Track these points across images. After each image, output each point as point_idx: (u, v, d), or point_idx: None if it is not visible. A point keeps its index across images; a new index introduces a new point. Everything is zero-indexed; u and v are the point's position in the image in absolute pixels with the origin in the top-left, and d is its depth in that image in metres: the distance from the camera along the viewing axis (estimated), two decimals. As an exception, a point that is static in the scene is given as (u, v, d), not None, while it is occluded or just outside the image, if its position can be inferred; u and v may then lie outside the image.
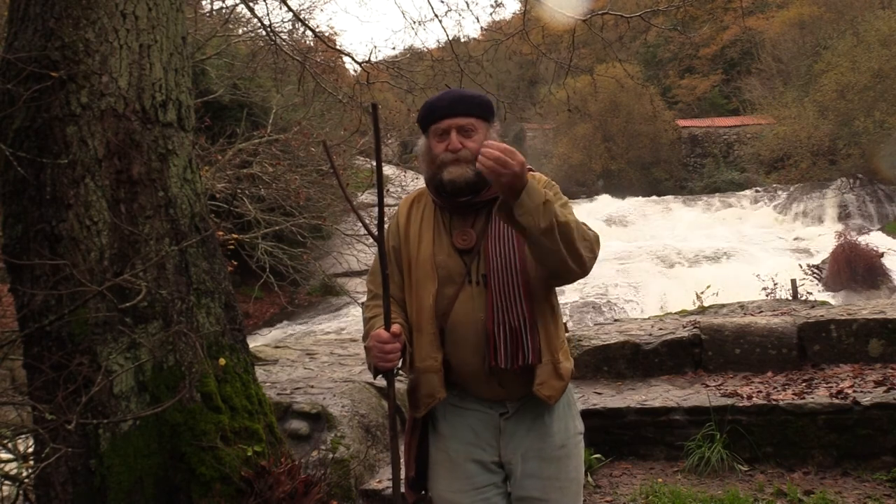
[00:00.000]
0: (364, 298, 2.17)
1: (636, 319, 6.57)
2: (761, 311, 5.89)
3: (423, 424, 2.06)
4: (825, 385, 4.26)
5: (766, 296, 9.25)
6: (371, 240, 9.73)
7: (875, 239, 16.26)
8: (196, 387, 2.74)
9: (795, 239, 18.92)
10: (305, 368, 5.20)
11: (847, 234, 15.63)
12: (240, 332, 3.08)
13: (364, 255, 9.86)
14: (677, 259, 16.70)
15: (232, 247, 5.96)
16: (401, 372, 2.01)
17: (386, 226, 2.01)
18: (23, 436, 2.87)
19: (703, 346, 4.98)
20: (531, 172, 2.04)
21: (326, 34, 10.76)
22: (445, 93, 2.01)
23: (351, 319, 14.83)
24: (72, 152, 2.64)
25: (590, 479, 3.94)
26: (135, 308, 2.62)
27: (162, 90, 2.84)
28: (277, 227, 7.75)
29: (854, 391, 4.03)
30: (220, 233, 5.31)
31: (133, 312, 2.64)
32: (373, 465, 3.93)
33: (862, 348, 4.68)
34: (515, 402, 1.98)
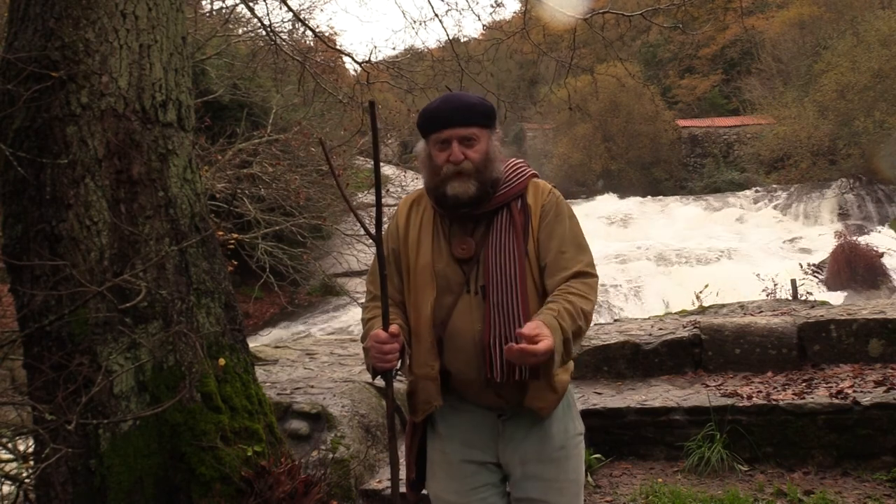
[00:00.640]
0: (364, 298, 2.16)
1: (636, 319, 6.56)
2: (761, 311, 5.89)
3: (423, 426, 2.06)
4: (825, 385, 4.26)
5: (766, 296, 9.24)
6: (371, 240, 9.71)
7: (875, 239, 16.26)
8: (196, 387, 2.74)
9: (795, 239, 18.91)
10: (305, 368, 5.20)
11: (847, 234, 15.63)
12: (240, 332, 3.08)
13: (364, 255, 9.86)
14: (677, 259, 16.70)
15: (232, 247, 5.95)
16: (399, 373, 2.00)
17: (385, 226, 2.00)
18: (23, 436, 2.87)
19: (703, 346, 4.98)
20: (534, 180, 2.02)
21: (326, 34, 10.76)
22: (445, 99, 1.96)
23: (351, 319, 14.83)
24: (72, 152, 2.64)
25: (590, 479, 3.93)
26: (135, 308, 2.62)
27: (162, 90, 2.84)
28: (277, 227, 7.75)
29: (854, 391, 4.03)
30: (220, 233, 5.31)
31: (133, 312, 2.64)
32: (373, 465, 3.93)
33: (862, 348, 4.68)
34: (512, 406, 1.97)
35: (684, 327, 5.25)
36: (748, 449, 4.03)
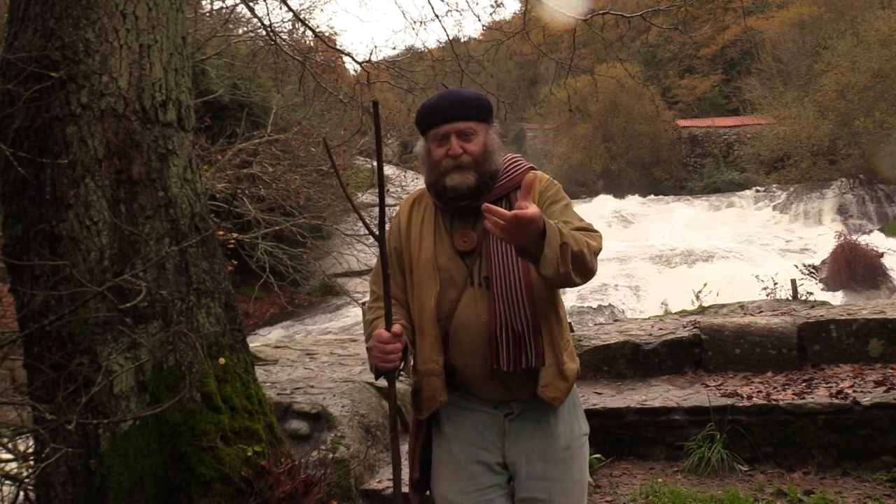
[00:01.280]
0: (365, 298, 2.17)
1: (636, 319, 6.57)
2: (761, 311, 5.89)
3: (427, 425, 2.05)
4: (825, 385, 4.26)
5: (766, 296, 9.24)
6: (371, 240, 9.75)
7: (875, 239, 16.26)
8: (196, 387, 2.74)
9: (795, 239, 18.92)
10: (305, 368, 5.20)
11: (847, 234, 15.63)
12: (240, 332, 3.08)
13: (364, 255, 9.86)
14: (677, 259, 16.71)
15: (232, 247, 5.95)
16: (402, 373, 2.00)
17: (387, 226, 2.00)
18: (23, 436, 2.87)
19: (703, 346, 4.98)
20: (533, 171, 2.04)
21: (326, 34, 10.75)
22: (442, 95, 1.98)
23: (351, 319, 14.83)
24: (72, 152, 2.64)
25: (590, 479, 3.93)
26: (135, 308, 2.62)
27: (162, 90, 2.84)
28: (277, 227, 7.75)
29: (854, 391, 4.03)
30: (220, 233, 5.31)
31: (133, 312, 2.64)
32: (373, 465, 3.93)
33: (862, 348, 4.68)
34: (520, 403, 1.97)
35: (684, 327, 5.25)
36: (748, 449, 4.03)
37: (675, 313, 6.86)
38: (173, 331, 2.71)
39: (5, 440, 2.77)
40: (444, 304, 1.94)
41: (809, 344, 4.79)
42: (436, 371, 1.94)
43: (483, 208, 1.65)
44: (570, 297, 13.59)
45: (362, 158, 14.38)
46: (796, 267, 12.20)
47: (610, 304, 13.89)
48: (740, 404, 4.10)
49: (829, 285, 14.00)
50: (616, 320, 6.67)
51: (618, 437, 4.30)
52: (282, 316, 15.89)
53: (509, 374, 1.90)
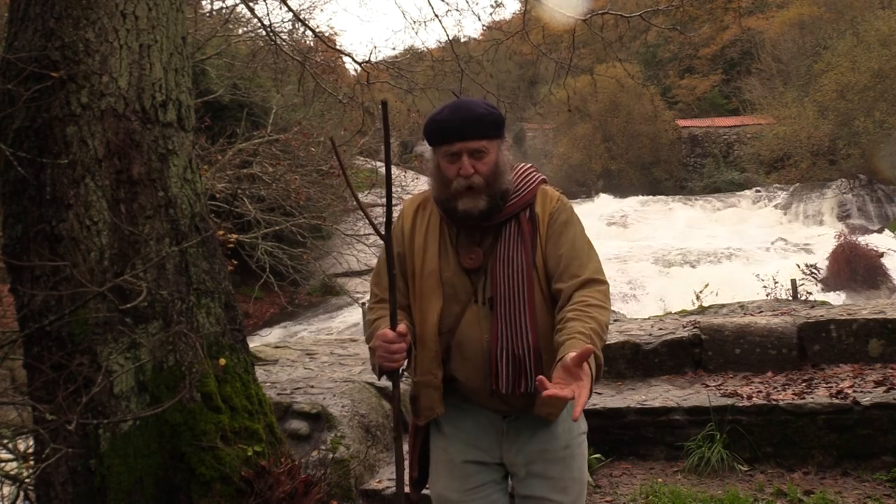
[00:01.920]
0: (365, 298, 2.16)
1: (636, 319, 6.56)
2: (761, 311, 5.89)
3: (425, 426, 2.06)
4: (825, 385, 4.26)
5: (766, 296, 9.24)
6: (371, 240, 9.75)
7: (875, 239, 16.27)
8: (196, 387, 2.74)
9: (795, 239, 18.92)
10: (305, 368, 5.20)
11: (847, 234, 15.64)
12: (240, 332, 3.08)
13: (364, 255, 9.86)
14: (677, 259, 16.71)
15: (232, 247, 5.95)
16: (406, 373, 2.00)
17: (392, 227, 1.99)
18: (23, 436, 2.87)
19: (703, 346, 4.98)
20: (543, 187, 1.99)
21: (326, 34, 10.76)
22: (455, 110, 1.89)
23: (351, 319, 14.83)
24: (72, 152, 2.64)
25: (590, 479, 3.93)
26: (135, 308, 2.62)
27: (162, 90, 2.83)
28: (277, 227, 7.75)
29: (854, 391, 4.03)
30: (221, 233, 5.31)
31: (133, 312, 2.64)
32: (373, 465, 3.93)
33: (862, 348, 4.68)
34: (518, 410, 1.97)
35: (684, 327, 5.25)
36: (748, 449, 4.03)
37: (675, 313, 6.85)
38: (173, 331, 2.71)
39: (5, 440, 2.77)
40: (447, 319, 1.92)
41: (809, 344, 4.79)
42: (434, 384, 1.93)
43: (545, 395, 1.51)
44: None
45: (362, 158, 14.37)
46: (800, 266, 12.21)
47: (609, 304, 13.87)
48: (740, 404, 4.10)
49: (829, 285, 14.01)
50: (616, 320, 6.67)
51: (618, 437, 4.30)
52: (282, 316, 15.90)
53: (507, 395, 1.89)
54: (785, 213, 22.69)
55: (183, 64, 2.96)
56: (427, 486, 2.12)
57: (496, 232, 1.93)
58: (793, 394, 4.14)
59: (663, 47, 36.19)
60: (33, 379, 2.62)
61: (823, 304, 6.32)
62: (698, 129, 32.25)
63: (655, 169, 31.07)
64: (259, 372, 3.72)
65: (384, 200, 1.86)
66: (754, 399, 4.14)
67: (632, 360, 5.05)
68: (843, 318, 4.80)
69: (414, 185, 13.91)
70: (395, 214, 2.08)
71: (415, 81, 8.24)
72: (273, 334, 14.70)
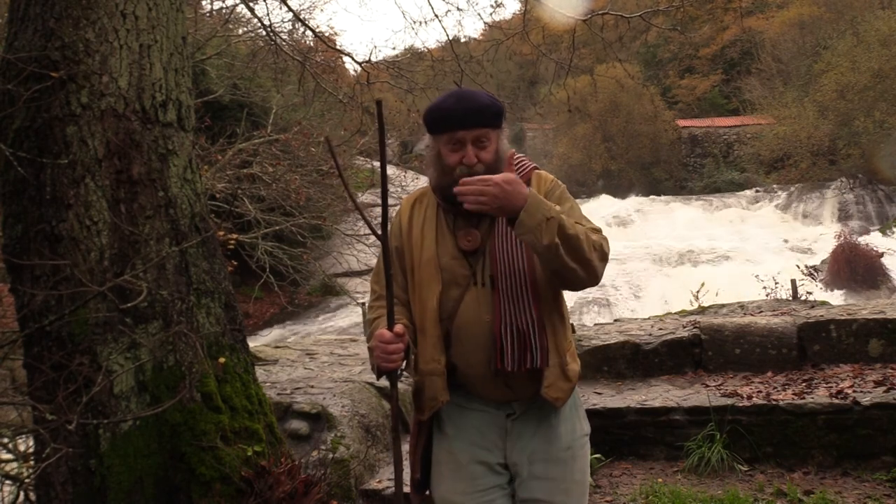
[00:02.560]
0: (365, 298, 2.17)
1: (636, 319, 6.56)
2: (761, 311, 5.89)
3: (428, 426, 2.05)
4: (825, 385, 4.26)
5: (766, 296, 9.24)
6: (371, 239, 9.75)
7: (875, 239, 16.27)
8: (196, 387, 2.74)
9: (795, 239, 18.92)
10: (305, 368, 5.20)
11: (847, 234, 15.64)
12: (240, 332, 3.08)
13: (364, 254, 9.86)
14: (677, 259, 16.71)
15: (232, 247, 5.95)
16: (404, 373, 1.99)
17: (388, 226, 1.99)
18: (23, 436, 2.87)
19: (703, 346, 4.98)
20: (536, 171, 2.03)
21: (326, 34, 10.76)
22: (458, 98, 1.91)
23: (351, 319, 14.83)
24: (72, 152, 2.64)
25: (590, 479, 3.93)
26: (135, 308, 2.62)
27: (162, 90, 2.84)
28: (277, 227, 7.75)
29: (854, 391, 4.03)
30: (221, 233, 5.31)
31: (133, 312, 2.64)
32: (373, 465, 3.93)
33: (862, 348, 4.68)
34: (522, 403, 1.97)
35: (684, 327, 5.25)
36: (748, 449, 4.03)
37: (675, 313, 6.85)
38: (173, 331, 2.71)
39: (5, 440, 2.77)
40: (447, 304, 1.93)
41: (809, 344, 4.79)
42: (438, 371, 1.93)
43: (456, 190, 1.73)
44: (570, 297, 13.57)
45: (362, 158, 14.38)
46: (799, 266, 12.21)
47: (609, 304, 13.89)
48: (740, 404, 4.10)
49: (829, 285, 14.01)
50: (616, 320, 6.67)
51: (618, 437, 4.30)
52: (282, 316, 15.90)
53: (512, 375, 1.89)
54: (785, 213, 22.68)
55: (183, 64, 2.96)
56: (429, 488, 2.11)
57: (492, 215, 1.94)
58: (793, 394, 4.14)
59: (663, 47, 36.18)
60: (33, 379, 2.62)
61: (823, 304, 6.32)
62: (698, 129, 32.25)
63: (655, 169, 31.06)
64: (259, 372, 3.72)
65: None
66: (754, 399, 4.14)
67: (632, 360, 5.05)
68: (843, 318, 4.80)
69: (414, 184, 13.91)
70: (393, 214, 2.09)
71: (415, 81, 8.25)
72: (273, 334, 14.70)
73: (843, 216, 21.64)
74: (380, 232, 1.86)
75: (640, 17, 6.79)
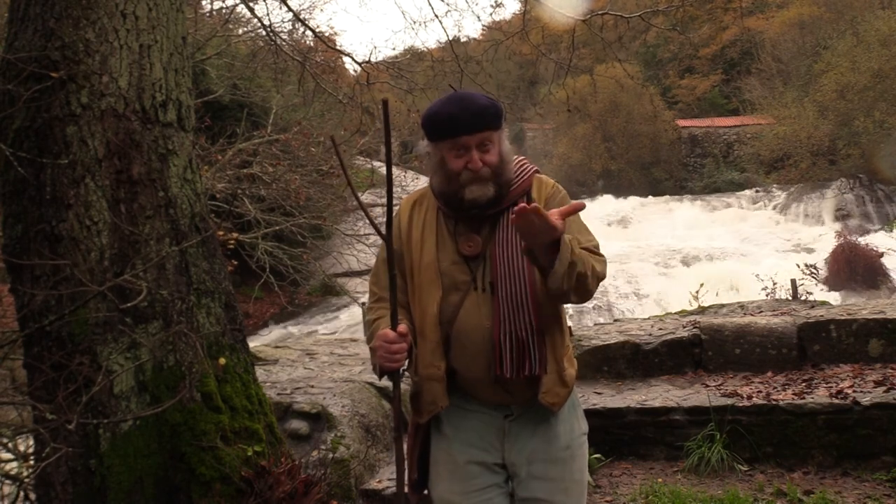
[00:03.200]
0: (365, 299, 2.16)
1: (636, 319, 6.56)
2: (761, 311, 5.88)
3: (426, 426, 2.05)
4: (825, 385, 4.26)
5: (766, 296, 9.24)
6: (371, 240, 9.75)
7: (875, 239, 16.26)
8: (196, 387, 2.74)
9: (795, 239, 18.91)
10: (305, 368, 5.20)
11: (847, 234, 15.63)
12: (240, 332, 3.08)
13: (364, 254, 9.86)
14: (677, 259, 16.69)
15: (232, 247, 5.96)
16: (406, 373, 1.99)
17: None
18: (23, 435, 2.87)
19: (703, 346, 4.98)
20: (537, 175, 2.03)
21: (326, 34, 10.76)
22: (458, 103, 1.88)
23: (351, 319, 14.82)
24: (72, 152, 2.64)
25: (590, 479, 3.93)
26: (135, 308, 2.62)
27: (162, 90, 2.84)
28: (277, 227, 7.76)
29: (854, 391, 4.03)
30: (221, 233, 5.31)
31: (133, 312, 2.64)
32: (373, 465, 3.93)
33: (862, 348, 4.68)
34: (520, 405, 1.97)
35: (684, 327, 5.25)
36: (748, 449, 4.03)
37: (675, 313, 6.85)
38: (173, 331, 2.71)
39: (5, 440, 2.77)
40: (447, 309, 1.92)
41: (809, 344, 4.79)
42: (437, 376, 1.93)
43: (517, 210, 1.66)
44: (570, 297, 13.54)
45: (362, 158, 14.38)
46: (797, 267, 12.20)
47: (609, 304, 13.89)
48: (740, 404, 4.10)
49: (829, 285, 14.00)
50: (616, 320, 6.67)
51: (618, 437, 4.30)
52: (282, 316, 15.88)
53: (511, 380, 1.89)
54: (785, 214, 22.67)
55: (183, 64, 2.96)
56: (426, 488, 2.11)
57: (494, 220, 1.94)
58: (793, 394, 4.14)
59: (663, 47, 36.17)
60: (33, 379, 2.62)
61: (823, 304, 6.32)
62: (698, 129, 32.24)
63: (655, 169, 31.05)
64: (259, 372, 3.72)
65: (383, 200, 1.85)
66: (754, 399, 4.14)
67: (632, 360, 5.05)
68: (843, 318, 4.80)
69: (414, 185, 13.91)
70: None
71: (415, 81, 8.25)
72: (273, 334, 14.69)
73: (843, 216, 21.62)
74: (384, 231, 1.85)
75: (640, 17, 6.79)
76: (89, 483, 2.56)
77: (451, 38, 7.80)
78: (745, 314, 5.83)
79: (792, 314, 5.24)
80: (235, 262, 5.93)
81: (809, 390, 4.18)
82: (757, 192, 25.04)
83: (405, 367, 1.92)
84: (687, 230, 20.72)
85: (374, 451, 4.01)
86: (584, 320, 12.22)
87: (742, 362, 4.85)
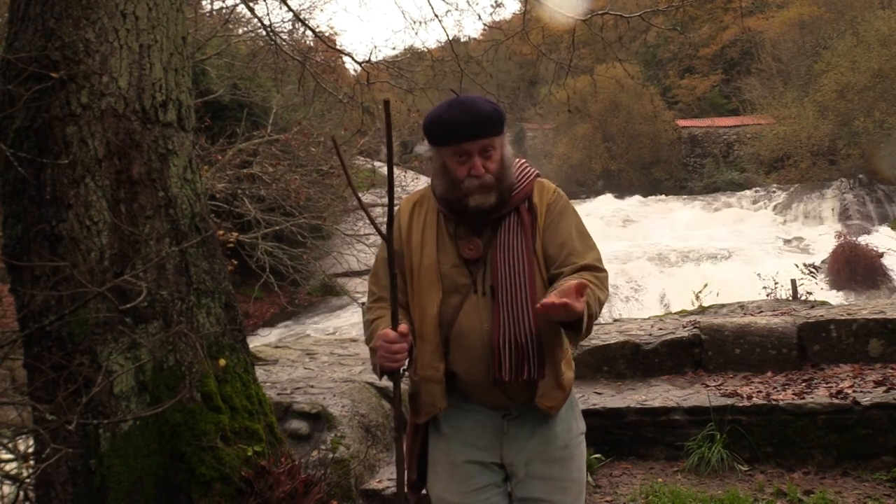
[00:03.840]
0: (364, 299, 2.16)
1: (636, 319, 6.56)
2: (761, 311, 5.88)
3: (424, 426, 2.06)
4: (825, 385, 4.26)
5: (766, 296, 9.23)
6: (371, 239, 9.75)
7: (875, 239, 16.26)
8: (196, 387, 2.74)
9: (795, 239, 18.91)
10: (305, 368, 5.20)
11: (847, 234, 15.63)
12: (240, 332, 3.08)
13: (364, 254, 9.86)
14: (677, 259, 16.69)
15: (232, 247, 5.95)
16: (407, 373, 1.99)
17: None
18: (23, 436, 2.87)
19: (703, 346, 4.98)
20: (539, 179, 2.02)
21: (326, 34, 10.75)
22: (461, 109, 1.87)
23: (351, 319, 14.81)
24: (72, 152, 2.64)
25: (590, 479, 3.93)
26: (135, 308, 2.62)
27: (162, 90, 2.84)
28: (277, 227, 7.75)
29: (854, 391, 4.03)
30: (220, 233, 5.31)
31: (133, 312, 2.64)
32: (373, 465, 3.93)
33: (862, 348, 4.68)
34: (518, 406, 1.97)
35: (684, 327, 5.25)
36: (748, 449, 4.03)
37: (675, 313, 6.85)
38: (173, 331, 2.71)
39: (5, 440, 2.77)
40: (447, 311, 1.92)
41: (809, 344, 4.79)
42: (436, 378, 1.94)
43: (539, 308, 1.68)
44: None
45: (362, 158, 14.38)
46: (797, 266, 12.19)
47: (609, 304, 13.88)
48: (740, 404, 4.10)
49: (829, 285, 14.00)
50: (616, 320, 6.67)
51: (618, 437, 4.30)
52: (282, 316, 15.88)
53: (509, 383, 1.90)
54: (785, 214, 22.67)
55: (183, 64, 2.96)
56: (425, 488, 2.11)
57: (495, 223, 1.94)
58: (793, 394, 4.14)
59: (663, 47, 36.18)
60: (33, 379, 2.62)
61: (823, 304, 6.32)
62: (698, 129, 32.24)
63: (655, 169, 31.06)
64: (259, 372, 3.72)
65: (384, 200, 1.85)
66: (754, 399, 4.14)
67: (632, 360, 5.05)
68: (843, 318, 4.80)
69: (414, 185, 13.91)
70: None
71: (415, 81, 8.25)
72: (273, 334, 14.68)
73: (843, 216, 21.62)
74: (385, 231, 1.85)
75: (640, 17, 6.79)
76: (89, 483, 2.56)
77: (451, 38, 7.81)
78: (745, 314, 5.83)
79: (792, 314, 5.23)
80: (235, 262, 5.92)
81: (809, 390, 4.18)
82: (757, 192, 25.04)
83: (405, 368, 1.92)
84: (687, 230, 20.71)
85: (374, 451, 4.01)
86: (584, 320, 12.18)
87: (742, 362, 4.85)
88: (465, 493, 1.98)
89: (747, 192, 25.27)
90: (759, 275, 10.96)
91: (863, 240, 15.35)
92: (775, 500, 3.59)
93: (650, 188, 29.32)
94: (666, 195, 27.13)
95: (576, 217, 1.99)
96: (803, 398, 4.04)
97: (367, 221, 2.07)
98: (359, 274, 13.68)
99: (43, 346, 2.60)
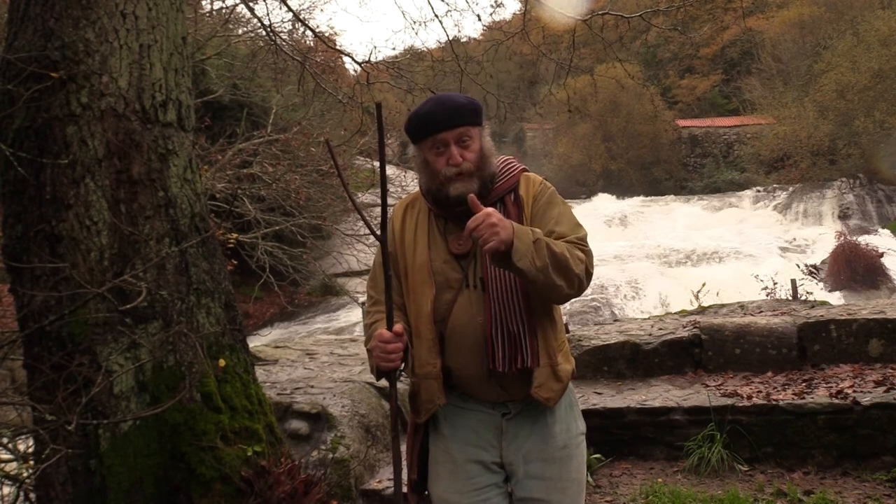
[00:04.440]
0: (364, 298, 2.17)
1: (636, 319, 6.56)
2: (761, 311, 5.89)
3: (424, 426, 2.06)
4: (825, 385, 4.26)
5: (766, 296, 9.23)
6: (371, 240, 9.75)
7: (875, 239, 16.27)
8: (196, 387, 2.74)
9: (796, 239, 18.92)
10: (305, 368, 5.20)
11: (847, 234, 15.64)
12: (240, 332, 3.08)
13: (364, 255, 9.86)
14: (677, 259, 16.70)
15: (232, 246, 5.96)
16: (403, 373, 2.00)
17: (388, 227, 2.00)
18: (23, 436, 2.86)
19: (703, 346, 4.98)
20: (526, 173, 2.05)
21: (326, 34, 10.76)
22: (435, 102, 1.95)
23: (351, 319, 14.82)
24: (72, 152, 2.64)
25: (590, 479, 3.94)
26: (135, 308, 2.62)
27: (162, 90, 2.83)
28: (277, 227, 7.76)
29: (854, 391, 4.03)
30: (220, 233, 5.31)
31: (133, 313, 2.64)
32: (373, 465, 3.93)
33: (862, 348, 4.68)
34: (517, 403, 1.98)
35: (684, 327, 5.25)
36: (748, 449, 4.03)
37: (675, 313, 6.85)
38: (173, 331, 2.71)
39: (5, 440, 2.77)
40: (440, 307, 1.94)
41: (809, 344, 4.79)
42: (433, 374, 1.95)
43: (469, 199, 1.74)
44: (570, 297, 13.53)
45: (362, 158, 14.37)
46: (797, 267, 12.21)
47: (610, 304, 13.88)
48: (740, 404, 4.10)
49: (829, 285, 14.00)
50: (616, 320, 6.68)
51: (618, 437, 4.30)
52: (282, 316, 15.88)
53: (505, 375, 1.91)
54: (785, 213, 22.68)
55: (183, 64, 2.96)
56: (426, 488, 2.11)
57: None
58: (793, 394, 4.14)
59: (663, 47, 36.19)
60: (33, 379, 2.62)
61: (823, 304, 6.32)
62: (698, 129, 32.26)
63: (655, 169, 31.07)
64: (259, 372, 3.72)
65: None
66: (754, 399, 4.14)
67: (632, 360, 5.05)
68: (843, 318, 4.80)
69: (413, 184, 13.90)
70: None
71: (415, 81, 8.25)
72: (273, 334, 14.68)
73: (843, 216, 21.63)
74: (379, 232, 1.87)
75: (640, 17, 6.79)
76: (89, 483, 2.56)
77: (451, 38, 7.80)
78: (745, 314, 5.83)
79: (792, 314, 5.24)
80: (235, 262, 5.93)
81: (809, 390, 4.18)
82: (757, 192, 25.05)
83: (402, 367, 1.93)
84: (687, 230, 20.72)
85: (374, 451, 4.01)
86: (584, 320, 12.22)
87: (742, 362, 4.86)
88: (465, 492, 1.98)
89: (747, 192, 25.28)
90: (758, 275, 10.97)
91: (863, 240, 15.35)
92: (775, 500, 3.59)
93: (650, 188, 29.33)
94: (666, 195, 27.14)
95: (564, 206, 2.01)
96: (803, 398, 4.04)
97: (364, 222, 2.09)
98: (358, 274, 13.69)
99: (43, 347, 2.60)
